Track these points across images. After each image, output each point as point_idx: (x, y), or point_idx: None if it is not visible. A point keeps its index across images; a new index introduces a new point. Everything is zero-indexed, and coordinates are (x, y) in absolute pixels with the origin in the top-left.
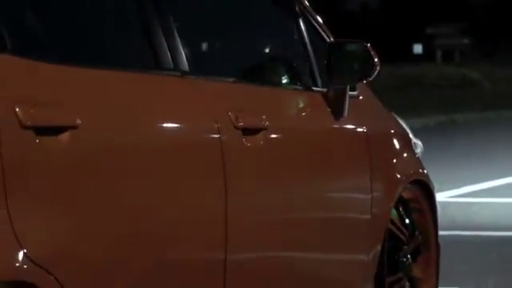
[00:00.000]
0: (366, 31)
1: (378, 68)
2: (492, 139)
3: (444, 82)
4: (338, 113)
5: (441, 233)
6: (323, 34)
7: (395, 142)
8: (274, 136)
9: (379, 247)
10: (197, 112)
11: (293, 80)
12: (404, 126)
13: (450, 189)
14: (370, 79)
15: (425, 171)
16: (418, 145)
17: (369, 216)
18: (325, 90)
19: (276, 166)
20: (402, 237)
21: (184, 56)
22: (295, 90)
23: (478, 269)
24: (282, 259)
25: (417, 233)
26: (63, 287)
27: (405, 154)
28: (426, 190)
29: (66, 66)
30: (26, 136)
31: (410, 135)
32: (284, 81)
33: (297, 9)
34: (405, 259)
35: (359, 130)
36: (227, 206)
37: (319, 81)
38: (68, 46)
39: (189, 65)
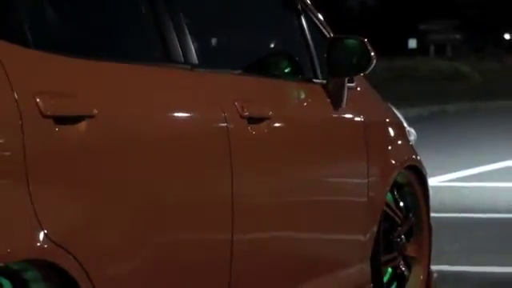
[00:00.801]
0: (364, 27)
1: (375, 61)
2: (481, 128)
3: (436, 75)
4: (337, 103)
5: (432, 215)
6: (323, 29)
7: (390, 130)
8: (277, 125)
9: (375, 228)
10: (205, 102)
11: (295, 72)
12: (399, 115)
13: (441, 174)
14: (367, 72)
15: (418, 157)
16: (412, 133)
17: (366, 199)
18: (325, 81)
19: (279, 153)
20: (397, 218)
21: (193, 50)
22: (297, 81)
23: (467, 248)
24: (285, 239)
25: (410, 215)
26: (82, 265)
27: (399, 142)
28: (419, 175)
29: (83, 60)
30: (46, 124)
31: (405, 124)
32: (287, 73)
33: (299, 6)
34: (399, 239)
35: (357, 119)
36: (233, 189)
37: (319, 73)
38: (85, 41)
39: (198, 58)
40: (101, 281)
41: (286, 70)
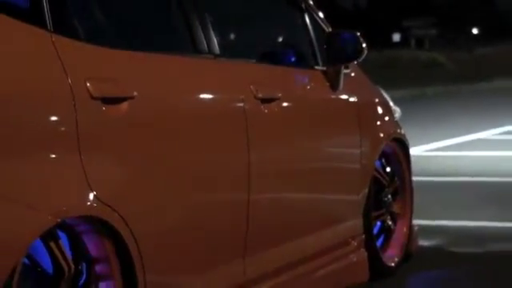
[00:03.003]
0: (357, 24)
1: (366, 52)
2: (454, 107)
3: (416, 63)
4: (335, 86)
5: (414, 178)
6: (323, 25)
7: (379, 108)
8: (285, 104)
9: (367, 189)
10: (226, 86)
11: (300, 61)
12: (386, 96)
13: (421, 145)
14: (360, 60)
15: (402, 131)
16: (397, 111)
17: (359, 166)
18: (324, 68)
19: (287, 128)
20: (384, 182)
21: (216, 42)
22: (302, 68)
23: (443, 205)
24: (293, 198)
25: (395, 178)
26: (125, 221)
27: (386, 118)
28: (402, 146)
29: (125, 50)
30: (95, 105)
31: (391, 103)
32: (293, 61)
33: (303, 5)
34: (386, 199)
35: (351, 99)
36: (249, 158)
37: (320, 61)
38: (126, 35)
39: (219, 49)
40: (141, 234)
41: (292, 59)
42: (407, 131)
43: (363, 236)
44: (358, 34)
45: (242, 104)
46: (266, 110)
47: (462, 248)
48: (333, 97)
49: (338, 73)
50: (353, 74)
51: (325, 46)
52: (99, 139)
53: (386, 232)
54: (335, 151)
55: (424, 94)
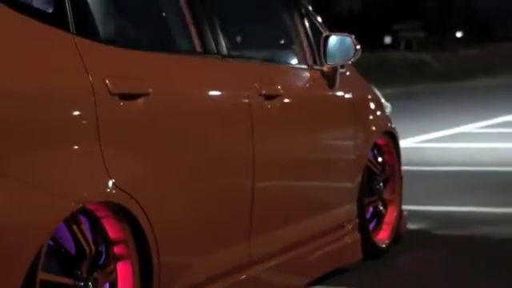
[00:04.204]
0: (351, 27)
1: (360, 53)
2: (439, 102)
3: (406, 64)
4: (331, 84)
5: (403, 168)
6: (321, 28)
7: (371, 104)
8: (286, 100)
9: (360, 178)
10: (233, 83)
11: (300, 61)
12: (378, 93)
13: (410, 137)
14: (354, 61)
15: (392, 125)
16: (388, 106)
17: (353, 156)
18: (322, 68)
19: (288, 122)
20: (376, 171)
21: (223, 44)
22: (301, 67)
23: (429, 192)
24: (294, 186)
25: (386, 168)
26: (141, 207)
27: (378, 113)
28: (393, 138)
29: (141, 51)
30: (113, 100)
31: (382, 100)
32: (293, 61)
33: (302, 11)
34: (378, 186)
35: (347, 96)
36: (254, 149)
37: (318, 61)
38: (141, 37)
39: (227, 50)
40: (156, 218)
41: (293, 59)
42: (397, 125)
43: (357, 220)
44: (353, 36)
45: (247, 100)
46: (269, 106)
47: (446, 231)
48: (330, 94)
49: (335, 72)
50: (348, 73)
51: (322, 47)
52: (117, 131)
53: (378, 216)
54: (332, 143)
55: (412, 91)
